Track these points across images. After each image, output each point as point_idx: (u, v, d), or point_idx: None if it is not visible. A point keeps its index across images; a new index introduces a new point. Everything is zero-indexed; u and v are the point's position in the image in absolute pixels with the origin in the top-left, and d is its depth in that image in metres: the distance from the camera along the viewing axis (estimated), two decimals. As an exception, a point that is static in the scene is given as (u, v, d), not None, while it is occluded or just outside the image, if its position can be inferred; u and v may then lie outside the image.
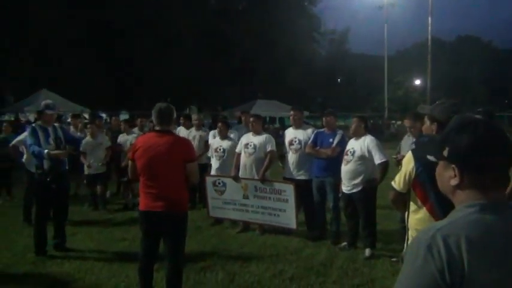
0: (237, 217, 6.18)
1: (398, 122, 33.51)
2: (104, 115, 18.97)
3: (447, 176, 1.17)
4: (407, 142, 4.98)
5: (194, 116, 8.01)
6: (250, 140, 6.02)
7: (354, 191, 5.03)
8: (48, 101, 5.42)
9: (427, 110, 2.82)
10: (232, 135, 6.89)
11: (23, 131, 7.51)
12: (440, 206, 2.46)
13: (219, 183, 6.23)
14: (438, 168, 1.22)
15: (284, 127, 20.62)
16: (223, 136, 6.57)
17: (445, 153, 1.16)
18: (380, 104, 36.66)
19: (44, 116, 5.17)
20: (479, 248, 1.01)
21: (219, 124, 6.72)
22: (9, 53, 18.48)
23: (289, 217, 5.70)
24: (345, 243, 5.30)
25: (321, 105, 34.85)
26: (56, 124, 5.36)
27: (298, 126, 5.96)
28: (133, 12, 21.96)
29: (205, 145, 7.18)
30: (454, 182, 1.15)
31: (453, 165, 1.15)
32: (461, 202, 1.14)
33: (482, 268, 1.00)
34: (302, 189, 5.71)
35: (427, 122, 2.71)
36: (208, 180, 6.33)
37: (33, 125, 5.28)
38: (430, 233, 1.05)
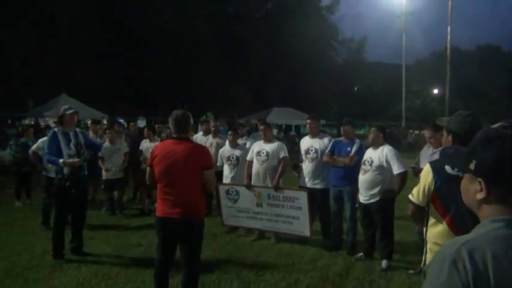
0: (250, 225, 6.17)
1: (416, 132, 33.15)
2: (122, 121, 19.21)
3: (473, 190, 1.15)
4: (427, 153, 4.92)
5: (211, 123, 8.05)
6: (263, 148, 6.01)
7: (372, 201, 4.98)
8: (66, 106, 5.52)
9: (444, 122, 2.81)
10: (248, 143, 6.89)
11: (43, 135, 7.67)
12: (461, 220, 2.41)
13: (232, 191, 6.22)
14: (463, 181, 1.20)
15: (300, 135, 20.59)
16: (234, 145, 6.58)
17: (472, 166, 1.14)
18: (397, 113, 36.28)
19: (65, 118, 5.21)
20: (505, 263, 0.99)
21: (229, 132, 6.73)
22: (37, 55, 18.85)
23: (303, 225, 5.67)
24: (361, 253, 5.24)
25: (338, 114, 34.67)
26: (76, 129, 5.45)
27: (314, 135, 5.94)
28: (150, 20, 22.26)
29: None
30: (480, 196, 1.13)
31: (480, 179, 1.13)
32: (486, 217, 1.12)
33: (509, 285, 0.98)
34: (318, 199, 5.68)
35: (445, 134, 2.70)
36: (222, 188, 6.30)
37: (55, 129, 5.35)
38: (455, 247, 1.03)
